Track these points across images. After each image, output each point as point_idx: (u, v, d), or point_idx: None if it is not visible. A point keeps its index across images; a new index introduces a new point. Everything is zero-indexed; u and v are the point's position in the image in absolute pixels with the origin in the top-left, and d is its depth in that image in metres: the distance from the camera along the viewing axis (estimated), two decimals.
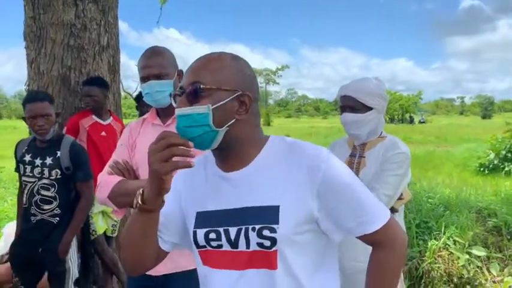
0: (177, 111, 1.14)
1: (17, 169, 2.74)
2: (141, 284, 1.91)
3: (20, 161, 2.69)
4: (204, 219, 1.20)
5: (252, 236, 1.11)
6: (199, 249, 1.22)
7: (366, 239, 1.17)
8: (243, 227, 1.12)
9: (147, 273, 1.85)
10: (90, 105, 3.50)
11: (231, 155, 1.18)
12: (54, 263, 2.64)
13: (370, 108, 2.11)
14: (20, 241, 2.71)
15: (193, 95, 1.12)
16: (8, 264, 3.07)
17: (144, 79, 1.88)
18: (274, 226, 1.09)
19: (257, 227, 1.10)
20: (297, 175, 1.12)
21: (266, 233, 1.09)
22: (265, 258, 1.11)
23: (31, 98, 2.59)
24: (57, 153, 2.62)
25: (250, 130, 1.18)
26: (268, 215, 1.10)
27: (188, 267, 1.84)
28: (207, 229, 1.18)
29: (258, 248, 1.11)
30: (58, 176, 2.61)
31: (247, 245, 1.12)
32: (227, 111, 1.13)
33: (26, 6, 3.77)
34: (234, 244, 1.14)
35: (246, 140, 1.18)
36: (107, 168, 1.96)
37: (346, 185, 1.13)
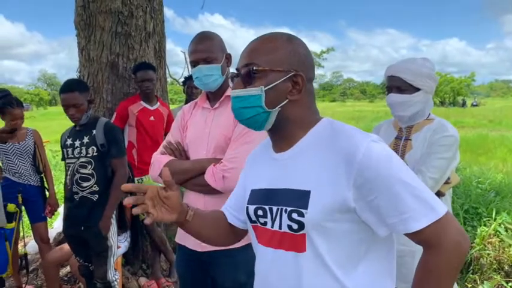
0: (232, 93, 1.19)
1: (62, 156, 2.91)
2: (187, 258, 2.00)
3: (63, 146, 2.86)
4: (255, 196, 1.25)
5: (284, 217, 1.13)
6: (252, 224, 1.27)
7: (411, 237, 1.08)
8: (280, 208, 1.15)
9: (193, 248, 1.94)
10: (148, 89, 3.59)
11: (281, 136, 1.21)
12: (96, 240, 2.77)
13: (418, 89, 2.06)
14: (67, 220, 2.88)
15: (247, 77, 1.15)
16: None
17: (193, 63, 1.95)
18: (303, 210, 1.09)
19: (288, 209, 1.12)
20: (333, 162, 1.08)
21: (295, 216, 1.11)
22: (293, 240, 1.13)
23: (63, 88, 2.72)
24: (92, 132, 2.76)
25: (302, 111, 1.19)
26: (299, 199, 1.11)
27: (232, 246, 1.89)
28: (256, 206, 1.23)
29: (287, 230, 1.13)
30: (94, 154, 2.74)
31: (280, 225, 1.15)
32: (280, 92, 1.15)
33: None
34: (273, 222, 1.17)
35: (297, 121, 1.18)
36: (160, 148, 2.08)
37: (387, 176, 1.04)
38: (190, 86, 4.35)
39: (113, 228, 2.84)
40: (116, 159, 2.79)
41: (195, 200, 1.95)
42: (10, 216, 3.43)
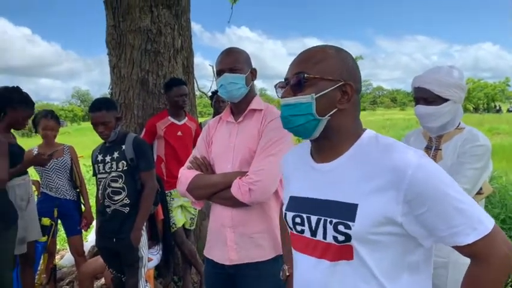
0: (282, 101, 1.22)
1: (93, 171, 3.01)
2: (215, 271, 2.03)
3: (94, 162, 2.97)
4: (294, 203, 1.28)
5: (329, 228, 1.14)
6: (290, 231, 1.30)
7: (460, 250, 1.10)
8: (322, 218, 1.16)
9: (220, 262, 1.97)
10: (185, 104, 3.68)
11: (327, 145, 1.23)
12: (127, 251, 2.85)
13: (446, 100, 2.01)
14: (100, 233, 2.97)
15: (298, 85, 1.18)
16: None
17: (219, 73, 2.00)
18: (350, 223, 1.10)
19: (334, 220, 1.13)
20: (382, 177, 1.09)
21: (341, 228, 1.12)
22: (339, 251, 1.14)
23: (91, 108, 2.85)
24: (122, 147, 2.86)
25: (349, 121, 1.21)
26: (345, 212, 1.12)
27: (260, 259, 1.92)
28: (294, 213, 1.25)
29: (333, 241, 1.14)
30: (124, 168, 2.83)
31: (324, 236, 1.16)
32: (330, 101, 1.17)
33: (107, 16, 4.06)
34: (313, 232, 1.19)
35: (344, 131, 1.20)
36: (187, 163, 2.12)
37: (437, 191, 1.06)
38: (218, 100, 4.42)
39: (144, 239, 2.90)
40: (145, 172, 2.87)
41: (222, 214, 1.98)
42: (44, 230, 3.56)
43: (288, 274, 1.51)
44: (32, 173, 3.59)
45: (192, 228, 3.93)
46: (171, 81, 3.77)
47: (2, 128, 3.17)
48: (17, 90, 3.28)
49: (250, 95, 2.04)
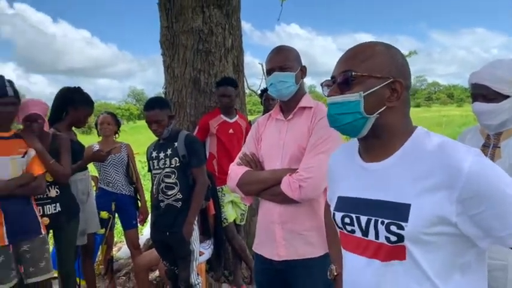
0: (329, 100, 1.21)
1: (148, 167, 3.13)
2: (264, 267, 2.06)
3: (149, 158, 3.09)
4: (342, 203, 1.27)
5: (381, 228, 1.13)
6: (339, 230, 1.29)
7: None
8: (373, 218, 1.15)
9: (270, 257, 1.99)
10: (226, 104, 3.76)
11: (376, 144, 1.21)
12: (180, 245, 2.95)
13: (507, 96, 1.89)
14: (154, 226, 3.09)
15: (345, 83, 1.17)
16: None
17: (269, 72, 2.02)
18: (403, 224, 1.08)
19: (386, 221, 1.12)
20: (436, 176, 1.06)
21: (393, 228, 1.10)
22: (391, 251, 1.12)
23: (145, 106, 2.97)
24: (174, 144, 2.96)
25: (399, 119, 1.18)
26: (398, 212, 1.10)
27: (308, 256, 1.92)
28: (343, 213, 1.24)
29: (385, 241, 1.12)
30: (177, 164, 2.93)
31: (376, 236, 1.14)
32: (378, 98, 1.15)
33: (161, 17, 4.20)
34: (364, 232, 1.18)
35: (394, 129, 1.18)
36: (236, 159, 2.17)
37: (495, 190, 1.02)
38: (267, 97, 4.46)
39: (195, 234, 2.99)
40: (196, 168, 2.95)
41: (270, 210, 2.00)
42: (102, 223, 3.75)
43: (335, 274, 1.50)
44: (91, 168, 3.79)
45: (243, 223, 3.99)
46: (219, 81, 3.85)
47: (64, 126, 3.38)
48: (78, 90, 3.48)
49: (300, 93, 2.05)
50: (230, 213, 3.79)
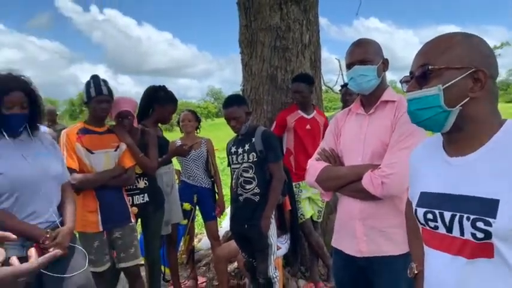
0: (407, 96, 1.20)
1: (228, 162, 3.24)
2: (344, 263, 2.04)
3: (228, 153, 3.19)
4: (425, 199, 1.24)
5: (466, 225, 1.09)
6: (421, 227, 1.27)
7: None
8: (458, 214, 1.11)
9: (350, 253, 1.97)
10: (298, 100, 3.77)
11: (461, 138, 1.17)
12: (258, 238, 3.01)
13: None
14: (233, 219, 3.19)
15: (422, 78, 1.15)
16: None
17: (349, 66, 2.00)
18: (491, 220, 1.04)
19: (472, 217, 1.08)
20: None
21: (480, 225, 1.06)
22: (478, 248, 1.08)
23: (224, 103, 3.07)
24: (252, 140, 3.02)
25: (484, 110, 1.14)
26: (486, 208, 1.06)
27: (391, 253, 1.87)
28: (426, 209, 1.22)
29: (471, 238, 1.08)
30: (254, 159, 3.00)
31: (461, 232, 1.11)
32: (460, 90, 1.12)
33: (240, 16, 4.31)
34: (448, 228, 1.14)
35: (480, 121, 1.14)
36: (315, 155, 2.16)
37: None
38: (346, 92, 4.39)
39: (273, 228, 3.04)
40: (273, 163, 3.00)
41: (351, 206, 1.98)
42: (185, 214, 3.93)
43: (416, 272, 1.46)
44: (174, 162, 3.99)
45: (319, 220, 3.98)
46: (294, 77, 3.87)
47: (150, 122, 3.60)
48: (163, 89, 3.69)
49: (381, 87, 1.99)
50: (307, 210, 3.80)
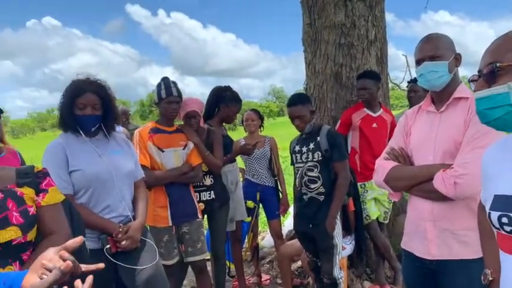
0: (475, 95, 1.17)
1: (291, 161, 3.24)
2: (414, 265, 1.97)
3: (292, 152, 3.19)
4: (499, 202, 1.19)
5: None
6: (496, 231, 1.22)
7: None
8: None
9: (421, 256, 1.91)
10: (364, 97, 3.68)
11: None
12: (322, 237, 2.98)
13: None
14: (297, 218, 3.18)
15: (491, 76, 1.12)
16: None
17: (418, 62, 1.93)
18: None
19: None
20: None
21: None
22: None
23: (288, 102, 3.06)
24: (317, 139, 3.00)
25: None
26: None
27: (464, 257, 1.79)
28: (500, 213, 1.17)
29: None
30: (319, 158, 2.97)
31: None
32: None
33: (303, 15, 4.29)
34: None
35: None
36: (383, 154, 2.11)
37: None
38: (411, 89, 4.23)
39: (338, 228, 3.00)
40: (338, 162, 2.96)
41: (421, 206, 1.91)
42: (249, 212, 3.99)
43: (490, 279, 1.38)
44: (238, 161, 4.06)
45: (386, 222, 3.86)
46: (359, 74, 3.79)
47: (215, 121, 3.70)
48: (228, 89, 3.77)
49: (453, 83, 1.90)
50: (373, 211, 3.71)
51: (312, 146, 3.01)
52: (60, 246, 1.02)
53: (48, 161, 2.24)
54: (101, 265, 0.99)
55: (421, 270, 1.94)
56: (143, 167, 2.81)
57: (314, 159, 2.99)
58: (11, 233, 1.64)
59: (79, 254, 1.51)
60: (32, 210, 1.72)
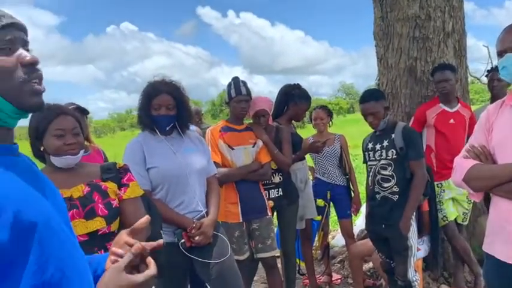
0: None
1: (364, 159, 3.16)
2: (498, 269, 1.84)
3: (365, 150, 3.11)
4: None
5: None
6: None
7: None
8: None
9: (506, 260, 1.78)
10: (446, 90, 3.47)
11: None
12: (396, 238, 2.87)
13: None
14: (369, 218, 3.10)
15: None
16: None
17: (500, 53, 1.81)
18: None
19: None
20: None
21: None
22: None
23: (361, 99, 2.99)
24: (391, 136, 2.89)
25: None
26: None
27: None
28: None
29: None
30: (394, 156, 2.86)
31: None
32: None
33: (375, 8, 4.17)
34: None
35: None
36: (463, 152, 1.99)
37: None
38: (492, 78, 3.90)
39: (413, 229, 2.89)
40: (414, 161, 2.84)
41: (505, 208, 1.78)
42: (319, 210, 3.95)
43: None
44: (307, 159, 4.03)
45: (465, 223, 3.64)
46: (434, 67, 3.61)
47: (284, 120, 3.71)
48: (298, 87, 3.77)
49: None
50: (450, 211, 3.51)
51: (385, 143, 2.92)
52: (129, 228, 1.09)
53: (128, 158, 2.40)
54: (161, 241, 1.05)
55: (505, 275, 1.80)
56: (215, 164, 2.90)
57: (388, 157, 2.90)
58: (97, 224, 1.80)
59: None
60: (115, 202, 1.87)
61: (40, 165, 1.94)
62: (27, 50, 0.95)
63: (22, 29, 0.96)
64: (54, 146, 1.80)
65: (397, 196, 2.86)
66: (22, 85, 0.91)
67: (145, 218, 1.08)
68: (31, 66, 0.93)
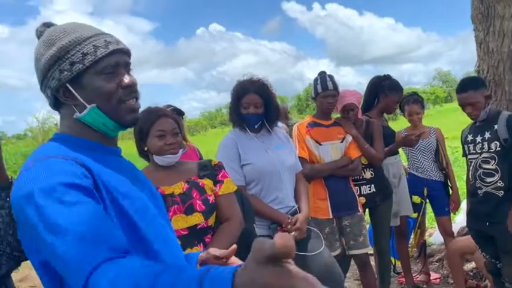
0: None
1: (463, 152, 2.96)
2: None
3: (464, 142, 2.91)
4: None
5: None
6: None
7: None
8: None
9: None
10: None
11: None
12: (503, 238, 2.64)
13: None
14: (470, 215, 2.90)
15: None
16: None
17: None
18: None
19: None
20: None
21: None
22: None
23: (457, 88, 2.79)
24: (494, 127, 2.68)
25: None
26: None
27: None
28: None
29: None
30: (497, 149, 2.65)
31: None
32: None
33: None
34: None
35: None
36: None
37: None
38: None
39: None
40: None
41: None
42: (415, 207, 3.78)
43: None
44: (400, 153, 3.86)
45: None
46: None
47: (375, 113, 3.60)
48: (388, 78, 3.63)
49: None
50: None
51: (487, 135, 2.71)
52: (216, 254, 1.17)
53: (223, 155, 2.54)
54: (234, 246, 1.15)
55: None
56: (302, 159, 2.91)
57: (491, 150, 2.69)
58: (196, 219, 1.94)
59: (249, 239, 1.69)
60: (211, 198, 2.00)
61: (144, 163, 2.14)
62: (129, 71, 1.08)
63: (126, 52, 1.09)
64: (156, 146, 1.97)
65: (502, 192, 2.65)
66: (119, 104, 1.05)
67: (232, 249, 1.15)
68: (129, 88, 1.06)
